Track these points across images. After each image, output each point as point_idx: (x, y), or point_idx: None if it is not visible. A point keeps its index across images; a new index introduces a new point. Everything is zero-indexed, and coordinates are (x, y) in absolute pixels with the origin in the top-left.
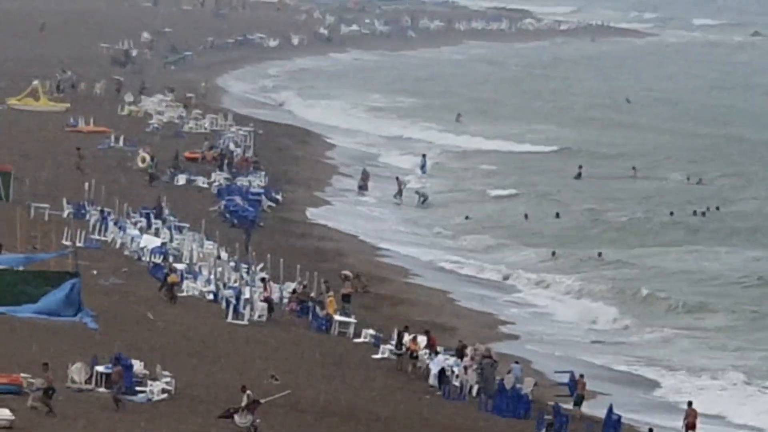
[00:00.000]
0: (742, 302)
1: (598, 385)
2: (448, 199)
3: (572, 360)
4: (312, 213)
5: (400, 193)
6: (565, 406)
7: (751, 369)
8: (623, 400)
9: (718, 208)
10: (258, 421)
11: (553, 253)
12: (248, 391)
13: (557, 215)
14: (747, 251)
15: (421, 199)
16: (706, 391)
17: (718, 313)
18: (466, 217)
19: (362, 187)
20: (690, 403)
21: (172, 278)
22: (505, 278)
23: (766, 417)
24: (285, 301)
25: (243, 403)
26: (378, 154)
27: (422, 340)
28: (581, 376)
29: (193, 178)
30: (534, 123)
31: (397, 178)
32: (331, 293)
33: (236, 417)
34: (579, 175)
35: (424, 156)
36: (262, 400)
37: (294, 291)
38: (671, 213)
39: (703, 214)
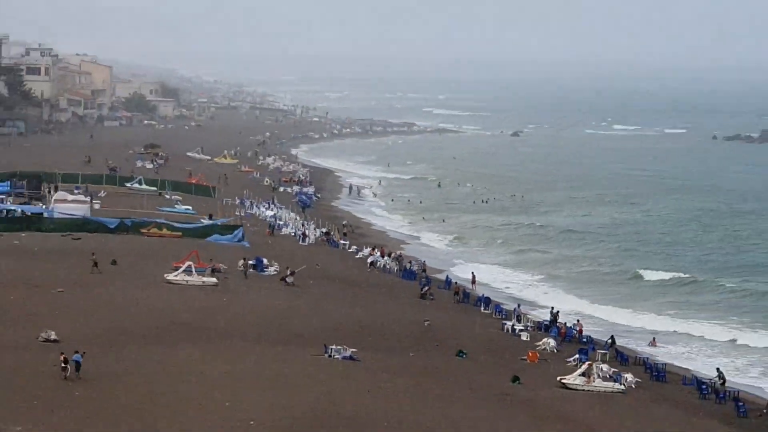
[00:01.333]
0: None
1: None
2: (386, 193)
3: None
4: (333, 202)
5: (357, 191)
6: (433, 275)
7: None
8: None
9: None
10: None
11: (443, 220)
12: (290, 269)
13: (439, 185)
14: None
15: (374, 194)
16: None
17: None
18: (392, 200)
19: (350, 191)
20: (472, 272)
21: (266, 232)
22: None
23: None
24: (318, 236)
25: (288, 273)
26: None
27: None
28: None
29: (286, 188)
30: (417, 164)
31: (351, 185)
32: (336, 232)
33: (287, 279)
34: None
35: (380, 180)
36: (296, 270)
37: (327, 232)
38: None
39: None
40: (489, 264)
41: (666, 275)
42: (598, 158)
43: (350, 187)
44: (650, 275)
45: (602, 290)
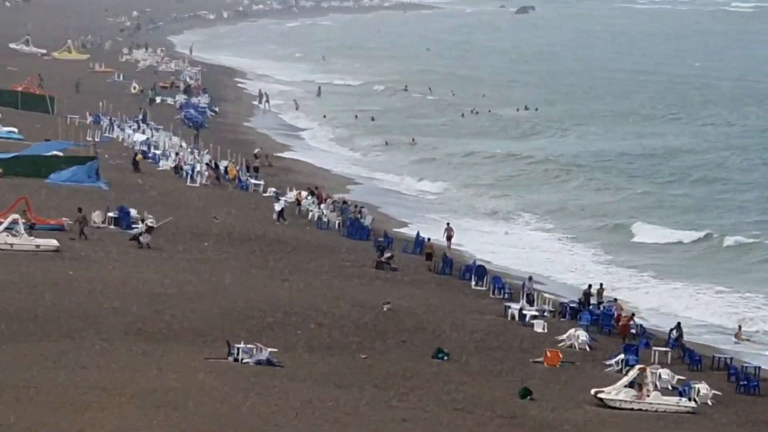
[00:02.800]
0: None
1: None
2: (320, 108)
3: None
4: (236, 118)
5: (267, 100)
6: (397, 232)
7: None
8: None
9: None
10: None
11: (413, 139)
12: (147, 220)
13: (372, 119)
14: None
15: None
16: None
17: None
18: (324, 116)
19: (260, 101)
20: (448, 223)
21: (139, 157)
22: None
23: None
24: (223, 171)
25: (143, 229)
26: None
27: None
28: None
29: (164, 98)
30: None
31: (261, 92)
32: (230, 163)
33: (140, 238)
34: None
35: (319, 87)
36: (155, 225)
37: (226, 167)
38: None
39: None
40: (479, 217)
41: (746, 239)
42: (631, 46)
43: (261, 96)
44: (725, 237)
45: (651, 257)
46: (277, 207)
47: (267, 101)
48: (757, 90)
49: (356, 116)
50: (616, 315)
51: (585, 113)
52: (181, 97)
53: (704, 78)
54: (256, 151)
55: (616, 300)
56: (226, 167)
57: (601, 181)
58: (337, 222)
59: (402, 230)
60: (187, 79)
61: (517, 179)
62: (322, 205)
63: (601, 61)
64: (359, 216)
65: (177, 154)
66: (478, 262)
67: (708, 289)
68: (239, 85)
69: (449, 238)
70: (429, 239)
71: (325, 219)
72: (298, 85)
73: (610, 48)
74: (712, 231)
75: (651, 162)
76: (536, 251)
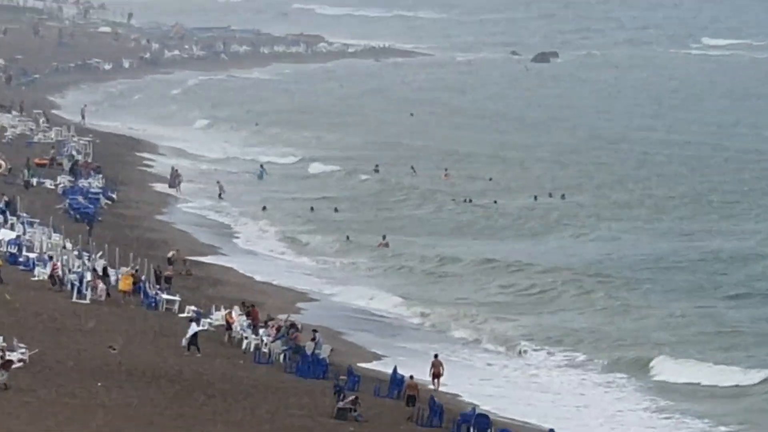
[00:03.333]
0: None
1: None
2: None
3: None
4: (142, 208)
5: (179, 183)
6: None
7: None
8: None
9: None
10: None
11: (383, 239)
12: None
13: (336, 209)
14: None
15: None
16: None
17: None
18: (264, 207)
19: (174, 184)
20: (436, 356)
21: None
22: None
23: None
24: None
25: None
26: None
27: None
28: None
29: (42, 180)
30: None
31: (175, 171)
32: (126, 270)
33: None
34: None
35: (261, 165)
36: (17, 359)
37: (104, 272)
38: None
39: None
40: (476, 347)
41: None
42: (683, 109)
43: (173, 175)
44: None
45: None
46: (190, 331)
47: (179, 185)
48: None
49: (312, 207)
50: None
51: (617, 201)
52: (65, 179)
53: None
54: (170, 254)
55: None
56: (117, 278)
57: (626, 300)
58: (280, 352)
59: (373, 365)
60: (74, 154)
61: (524, 296)
62: (261, 331)
63: (640, 128)
64: (312, 345)
65: (51, 258)
66: (478, 410)
67: None
68: (146, 162)
69: (437, 375)
70: (411, 377)
71: (265, 349)
72: (226, 163)
73: (651, 111)
74: None
75: (699, 271)
76: (549, 395)
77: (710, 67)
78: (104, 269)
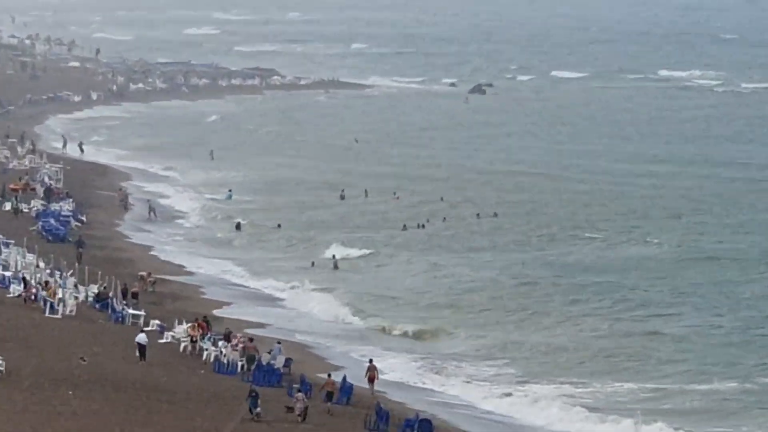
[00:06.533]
0: None
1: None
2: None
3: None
4: (108, 229)
5: (153, 211)
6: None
7: None
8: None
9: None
10: None
11: (313, 263)
12: None
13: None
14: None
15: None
16: None
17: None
18: (238, 224)
19: (125, 206)
20: (371, 360)
21: None
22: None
23: None
24: (90, 299)
25: None
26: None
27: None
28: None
29: (17, 204)
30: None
31: (152, 206)
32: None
33: None
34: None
35: (230, 190)
36: None
37: (98, 293)
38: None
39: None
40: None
41: None
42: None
43: (150, 207)
44: None
45: None
46: (141, 340)
47: (153, 211)
48: None
49: (278, 224)
50: None
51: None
52: (36, 204)
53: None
54: (141, 274)
55: None
56: (42, 283)
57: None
58: (238, 364)
59: (334, 374)
60: (46, 180)
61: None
62: (221, 343)
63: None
64: (267, 356)
65: (24, 278)
66: (421, 416)
67: None
68: (118, 186)
69: (372, 380)
70: (329, 375)
71: (227, 359)
72: (186, 188)
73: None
74: None
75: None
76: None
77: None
78: (23, 276)
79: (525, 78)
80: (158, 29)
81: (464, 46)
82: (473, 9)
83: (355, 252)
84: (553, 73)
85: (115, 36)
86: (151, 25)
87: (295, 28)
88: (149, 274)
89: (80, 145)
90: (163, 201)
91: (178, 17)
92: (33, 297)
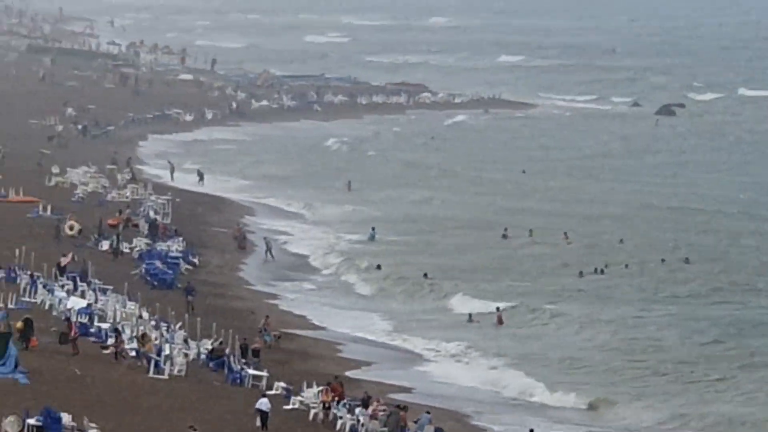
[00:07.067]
0: None
1: None
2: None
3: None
4: (227, 274)
5: (269, 250)
6: None
7: None
8: None
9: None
10: None
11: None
12: None
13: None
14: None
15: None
16: None
17: None
18: (376, 266)
19: (242, 246)
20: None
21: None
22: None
23: None
24: (203, 357)
25: None
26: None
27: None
28: None
29: (117, 242)
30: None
31: (267, 242)
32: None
33: None
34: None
35: (373, 229)
36: None
37: (212, 350)
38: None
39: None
40: None
41: None
42: None
43: (267, 245)
44: None
45: None
46: (262, 407)
47: (269, 250)
48: None
49: (425, 274)
50: None
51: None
52: (140, 242)
53: None
54: (262, 325)
55: None
56: (138, 336)
57: None
58: None
59: None
60: (151, 214)
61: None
62: (358, 410)
63: None
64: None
65: (116, 331)
66: None
67: None
68: (235, 221)
69: None
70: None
71: (362, 430)
72: (327, 225)
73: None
74: None
75: None
76: None
77: None
78: (115, 328)
79: (712, 96)
80: (275, 36)
81: (639, 58)
82: (646, 14)
83: (519, 303)
84: (741, 91)
85: (222, 43)
86: (267, 31)
87: (439, 35)
88: (267, 319)
89: (199, 173)
90: (290, 240)
91: (299, 22)
92: (124, 352)
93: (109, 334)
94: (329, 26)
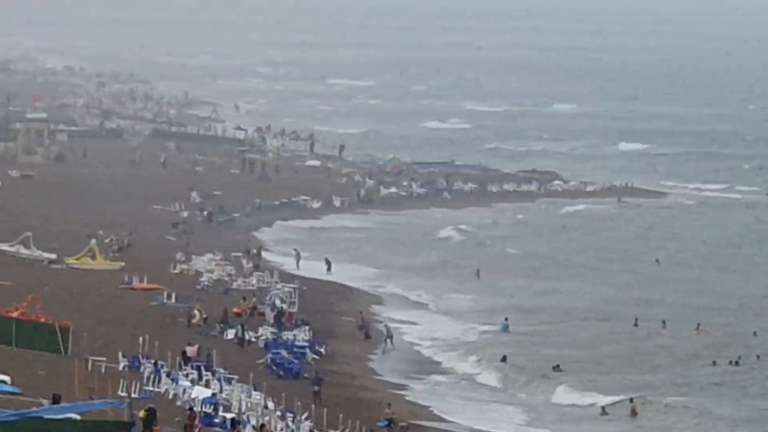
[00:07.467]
0: None
1: None
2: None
3: None
4: (355, 364)
5: (389, 338)
6: None
7: None
8: None
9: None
10: None
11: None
12: None
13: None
14: None
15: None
16: None
17: None
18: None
19: (366, 335)
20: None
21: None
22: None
23: None
24: None
25: None
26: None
27: None
28: None
29: (243, 332)
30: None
31: (387, 329)
32: None
33: None
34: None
35: (506, 319)
36: None
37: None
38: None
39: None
40: None
41: None
42: None
43: (387, 333)
44: None
45: None
46: None
47: (390, 338)
48: None
49: (557, 366)
50: None
51: None
52: (266, 331)
53: None
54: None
55: None
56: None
57: None
58: None
59: None
60: (277, 303)
61: None
62: None
63: None
64: None
65: (233, 421)
66: None
67: None
68: (362, 312)
69: None
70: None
71: None
72: (460, 319)
73: None
74: None
75: None
76: None
77: None
78: None
79: None
80: (395, 122)
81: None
82: None
83: (657, 396)
84: None
85: (342, 129)
86: (388, 117)
87: (563, 122)
88: (389, 407)
89: (327, 261)
90: (417, 330)
91: (421, 108)
92: None
93: (232, 423)
94: (451, 112)
